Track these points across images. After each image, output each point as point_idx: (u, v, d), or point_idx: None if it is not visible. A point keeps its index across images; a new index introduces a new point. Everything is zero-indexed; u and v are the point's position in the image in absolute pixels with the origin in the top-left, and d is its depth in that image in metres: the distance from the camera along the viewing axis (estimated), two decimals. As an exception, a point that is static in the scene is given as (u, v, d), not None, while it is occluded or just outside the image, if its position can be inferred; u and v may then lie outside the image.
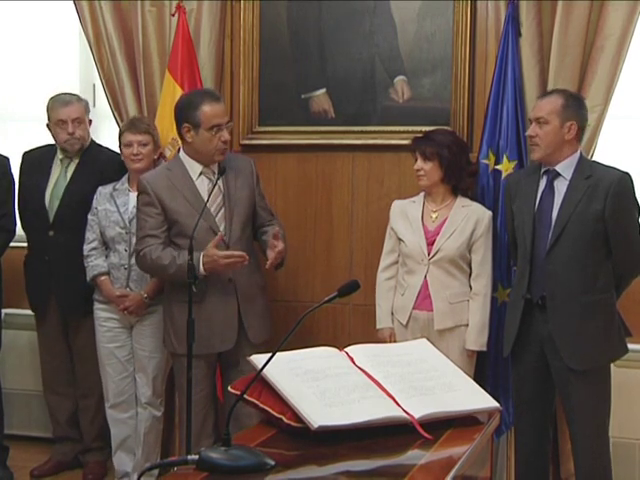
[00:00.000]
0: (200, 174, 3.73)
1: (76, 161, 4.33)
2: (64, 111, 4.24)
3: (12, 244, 4.35)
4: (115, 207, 4.09)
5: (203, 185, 3.72)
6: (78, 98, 4.33)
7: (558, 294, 3.46)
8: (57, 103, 4.27)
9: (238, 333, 3.71)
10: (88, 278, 4.14)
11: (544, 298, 3.49)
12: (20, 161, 4.44)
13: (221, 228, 3.69)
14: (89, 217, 4.16)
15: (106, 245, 4.14)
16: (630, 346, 3.62)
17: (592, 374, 3.48)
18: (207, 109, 3.62)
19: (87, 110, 4.35)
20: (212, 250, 3.54)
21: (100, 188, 4.17)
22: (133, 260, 3.98)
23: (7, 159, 4.32)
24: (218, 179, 3.63)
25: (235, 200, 3.74)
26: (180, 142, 3.87)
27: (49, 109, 4.28)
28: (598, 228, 3.42)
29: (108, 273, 4.11)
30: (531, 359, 3.57)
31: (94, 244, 4.15)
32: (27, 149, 4.50)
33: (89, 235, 4.15)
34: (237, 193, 3.75)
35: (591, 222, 3.42)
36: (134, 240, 3.93)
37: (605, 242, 3.45)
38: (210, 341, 3.66)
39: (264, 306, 3.85)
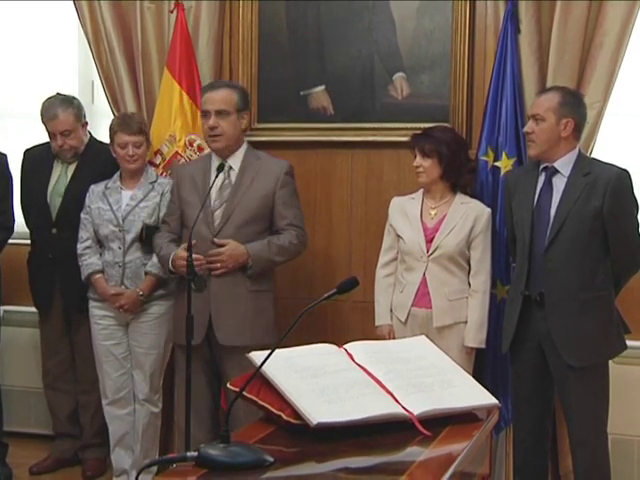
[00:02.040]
0: (217, 167, 3.76)
1: (76, 159, 4.33)
2: (51, 125, 4.21)
3: (13, 241, 4.35)
4: (108, 205, 4.08)
5: (218, 178, 3.75)
6: (67, 106, 4.21)
7: (556, 291, 3.46)
8: (45, 115, 4.22)
9: (208, 332, 3.72)
10: (82, 277, 4.14)
11: (542, 295, 3.49)
12: (21, 159, 4.45)
13: (216, 223, 3.72)
14: (82, 216, 4.15)
15: (100, 243, 4.14)
16: (629, 343, 3.61)
17: (590, 371, 3.48)
18: (203, 97, 3.84)
19: (79, 115, 4.25)
20: (181, 252, 3.63)
21: (92, 186, 4.15)
22: (127, 258, 4.03)
23: (5, 156, 4.31)
24: (217, 175, 3.67)
25: (240, 199, 3.73)
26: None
27: (41, 115, 4.25)
28: (596, 225, 3.42)
29: (102, 271, 4.11)
30: (529, 356, 3.57)
31: (87, 242, 4.14)
32: (27, 147, 4.50)
33: (82, 234, 4.15)
34: (247, 193, 3.74)
35: (589, 219, 3.42)
36: (128, 238, 4.02)
37: (604, 239, 3.45)
38: (183, 333, 3.62)
39: (251, 311, 3.74)
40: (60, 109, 4.20)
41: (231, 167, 3.78)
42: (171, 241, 3.84)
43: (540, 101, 3.54)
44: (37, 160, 4.39)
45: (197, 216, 3.54)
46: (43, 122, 4.25)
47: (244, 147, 3.85)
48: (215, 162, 3.78)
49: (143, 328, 4.12)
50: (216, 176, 3.66)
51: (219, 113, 3.73)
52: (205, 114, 3.77)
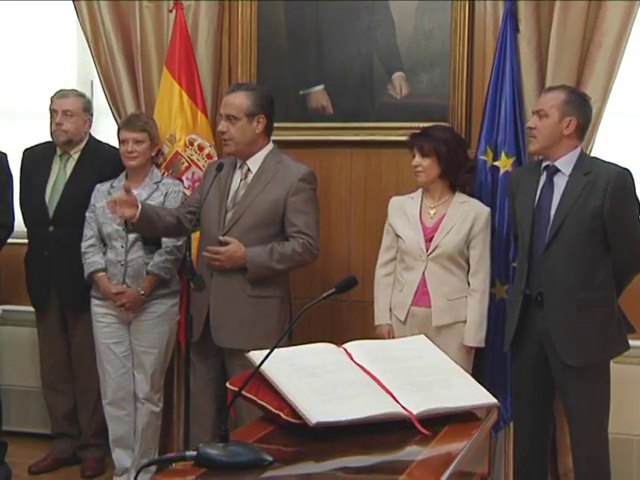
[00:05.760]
0: (239, 168, 3.77)
1: (75, 157, 4.36)
2: (57, 102, 4.30)
3: (11, 240, 4.36)
4: None
5: (237, 179, 3.76)
6: (79, 94, 4.38)
7: (555, 290, 3.46)
8: (56, 95, 4.33)
9: (206, 330, 3.70)
10: (85, 275, 4.15)
11: (541, 294, 3.48)
12: (21, 158, 4.46)
13: (226, 224, 3.69)
14: (87, 214, 4.18)
15: (104, 242, 4.15)
16: (633, 342, 3.61)
17: (590, 371, 3.47)
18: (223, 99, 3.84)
19: (85, 107, 4.36)
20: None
21: (98, 185, 4.19)
22: (130, 256, 4.04)
23: (5, 155, 4.33)
24: (216, 175, 3.66)
25: (251, 202, 3.69)
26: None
27: (51, 101, 4.34)
28: (596, 224, 3.41)
29: (105, 270, 4.12)
30: (530, 355, 3.56)
31: (91, 241, 4.15)
32: (26, 146, 4.51)
33: (87, 232, 4.17)
34: (259, 197, 3.68)
35: (589, 218, 3.41)
36: (130, 236, 4.02)
37: (604, 238, 3.44)
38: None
39: (249, 316, 3.66)
40: (72, 94, 4.35)
41: (249, 169, 3.74)
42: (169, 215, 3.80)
43: (546, 98, 3.54)
44: (36, 159, 4.41)
45: (197, 212, 3.58)
46: (50, 104, 4.31)
47: (266, 149, 3.76)
48: (239, 163, 3.79)
49: (144, 327, 4.13)
50: (215, 176, 3.66)
51: (228, 118, 3.69)
52: (220, 117, 3.80)
